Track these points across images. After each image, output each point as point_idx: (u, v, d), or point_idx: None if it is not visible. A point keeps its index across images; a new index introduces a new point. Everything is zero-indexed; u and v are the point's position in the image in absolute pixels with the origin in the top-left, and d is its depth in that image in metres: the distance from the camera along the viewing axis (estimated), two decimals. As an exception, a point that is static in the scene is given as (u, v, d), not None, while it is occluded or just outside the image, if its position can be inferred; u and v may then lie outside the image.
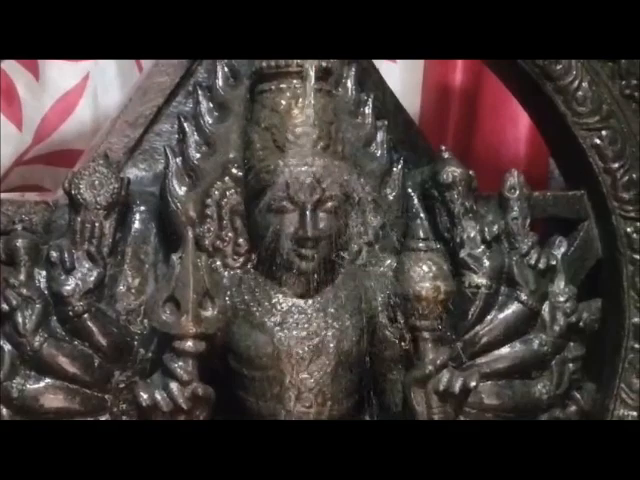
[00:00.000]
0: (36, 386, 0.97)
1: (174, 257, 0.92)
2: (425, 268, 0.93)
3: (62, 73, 1.54)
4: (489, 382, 1.05)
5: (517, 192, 1.08)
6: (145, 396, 0.88)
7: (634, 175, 1.12)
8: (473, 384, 0.92)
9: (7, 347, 0.96)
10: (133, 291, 1.02)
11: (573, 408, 1.09)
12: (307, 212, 0.92)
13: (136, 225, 1.04)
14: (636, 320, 1.14)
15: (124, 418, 0.98)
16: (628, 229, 1.13)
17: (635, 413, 1.15)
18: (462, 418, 1.02)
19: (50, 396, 0.97)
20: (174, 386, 0.88)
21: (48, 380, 0.97)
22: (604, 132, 1.11)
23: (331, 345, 0.95)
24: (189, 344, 0.89)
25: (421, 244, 0.95)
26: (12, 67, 1.49)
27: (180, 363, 0.89)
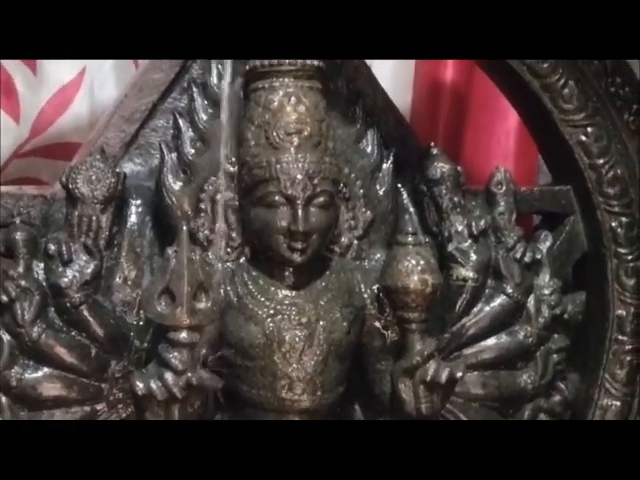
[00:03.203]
0: (34, 375, 0.99)
1: (169, 250, 0.94)
2: (413, 262, 0.96)
3: (59, 68, 1.55)
4: (475, 372, 1.08)
5: (504, 188, 1.11)
6: (140, 385, 0.90)
7: (619, 171, 1.14)
8: (459, 374, 0.95)
9: (6, 337, 0.98)
10: (129, 283, 1.04)
11: (557, 398, 1.12)
12: (299, 207, 0.94)
13: (132, 219, 1.06)
14: (620, 312, 1.17)
15: (120, 406, 1.00)
16: (613, 224, 1.16)
17: (618, 403, 1.18)
18: (449, 407, 1.06)
19: (48, 385, 0.99)
20: (169, 376, 0.90)
21: (46, 369, 0.99)
22: (590, 129, 1.13)
23: (322, 336, 0.97)
24: (183, 335, 0.91)
25: (410, 238, 0.97)
26: (11, 62, 1.51)
27: (175, 353, 0.91)
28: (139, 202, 1.07)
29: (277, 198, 0.94)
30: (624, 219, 1.15)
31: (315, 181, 0.94)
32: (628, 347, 1.17)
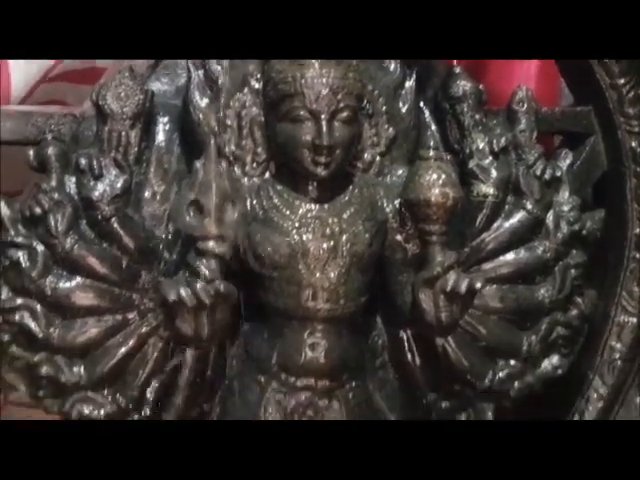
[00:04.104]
0: (68, 284, 1.02)
1: (197, 163, 0.97)
2: (435, 175, 0.97)
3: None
4: (494, 286, 1.10)
5: (525, 105, 1.12)
6: (171, 292, 0.94)
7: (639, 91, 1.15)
8: (478, 285, 0.97)
9: (40, 248, 1.01)
10: (158, 198, 1.07)
11: (574, 312, 1.14)
12: (323, 122, 0.96)
13: (160, 136, 1.08)
14: (638, 231, 1.19)
15: (150, 315, 1.03)
16: (633, 143, 1.17)
17: (635, 319, 1.21)
18: (468, 319, 1.09)
19: (81, 294, 1.02)
20: (198, 283, 0.94)
21: (79, 279, 1.02)
22: (611, 48, 1.13)
23: (345, 248, 1.00)
24: (212, 244, 0.94)
25: (431, 153, 0.99)
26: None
27: (203, 262, 0.95)
28: (166, 119, 1.08)
29: (302, 113, 0.96)
30: (644, 139, 1.17)
31: (339, 96, 0.96)
32: (646, 266, 1.20)
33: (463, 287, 0.96)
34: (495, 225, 1.10)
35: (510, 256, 1.11)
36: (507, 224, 1.10)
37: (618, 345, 1.21)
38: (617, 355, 1.21)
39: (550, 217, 1.11)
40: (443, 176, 0.97)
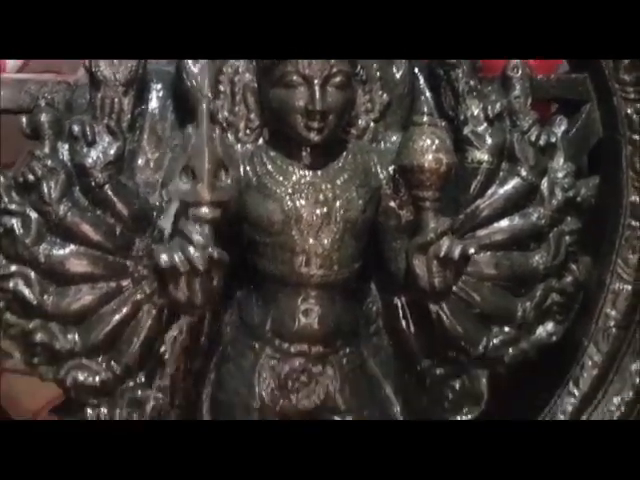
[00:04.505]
0: (62, 252, 1.02)
1: (189, 128, 0.97)
2: (428, 141, 0.97)
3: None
4: (488, 253, 1.09)
5: (520, 72, 1.12)
6: (164, 258, 0.93)
7: (635, 58, 1.15)
8: (472, 251, 0.97)
9: (34, 215, 1.01)
10: (151, 165, 1.06)
11: (569, 279, 1.14)
12: (316, 87, 0.95)
13: (153, 103, 1.08)
14: (633, 198, 1.19)
15: (144, 283, 1.03)
16: (628, 110, 1.17)
17: (630, 287, 1.21)
18: (462, 286, 1.09)
19: (75, 261, 1.02)
20: (191, 249, 0.93)
21: (73, 246, 1.02)
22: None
23: (338, 214, 1.00)
24: (205, 210, 0.94)
25: (425, 119, 0.99)
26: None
27: (197, 228, 0.95)
28: (160, 86, 1.08)
29: (295, 78, 0.96)
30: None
31: (332, 61, 0.96)
32: (640, 232, 1.20)
33: (456, 253, 0.96)
34: (489, 192, 1.10)
35: (504, 223, 1.11)
36: (501, 191, 1.10)
37: (613, 312, 1.21)
38: (612, 323, 1.21)
39: (545, 184, 1.11)
40: (437, 142, 0.97)
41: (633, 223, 1.20)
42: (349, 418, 1.04)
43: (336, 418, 1.04)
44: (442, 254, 0.96)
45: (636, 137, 1.18)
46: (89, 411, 1.06)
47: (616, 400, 1.22)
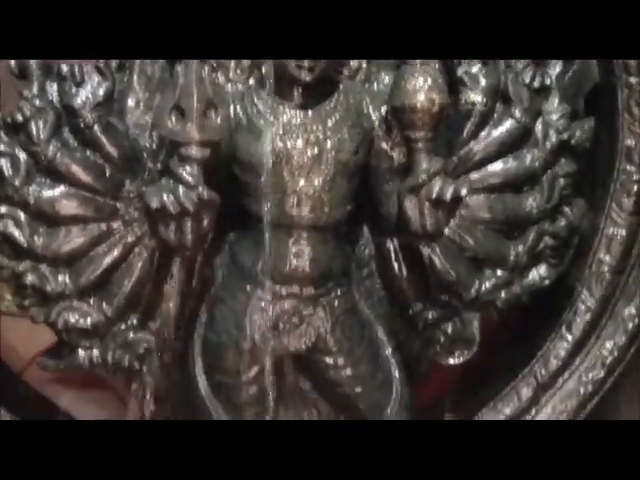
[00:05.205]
0: (51, 193, 1.01)
1: (178, 67, 0.95)
2: (421, 80, 0.96)
3: None
4: (482, 195, 1.09)
5: (515, 12, 1.10)
6: (154, 199, 0.93)
7: (632, 0, 1.13)
8: (464, 192, 0.97)
9: (23, 155, 1.00)
10: (141, 106, 1.05)
11: (562, 222, 1.13)
12: (307, 26, 0.94)
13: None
14: (629, 142, 1.17)
15: (135, 224, 1.03)
16: (625, 53, 1.15)
17: (624, 232, 1.20)
18: (455, 229, 1.08)
19: (65, 202, 1.02)
20: (181, 189, 0.93)
21: (63, 188, 1.01)
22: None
23: (330, 155, 0.99)
24: (194, 150, 0.93)
25: (417, 58, 0.98)
26: None
27: (186, 168, 0.94)
28: (149, 26, 1.07)
29: (286, 17, 0.94)
30: (637, 48, 1.14)
31: (323, 0, 0.94)
32: (636, 177, 1.18)
33: (448, 194, 0.96)
34: (483, 134, 1.08)
35: (498, 165, 1.10)
36: (495, 133, 1.08)
37: (607, 257, 1.20)
38: (605, 268, 1.20)
39: (539, 126, 1.10)
40: (429, 80, 0.96)
41: (628, 167, 1.18)
42: (340, 359, 1.04)
43: (327, 359, 1.04)
44: (434, 195, 0.96)
45: (632, 80, 1.16)
46: (81, 353, 1.07)
47: (609, 345, 1.22)
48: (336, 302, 1.04)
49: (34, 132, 0.99)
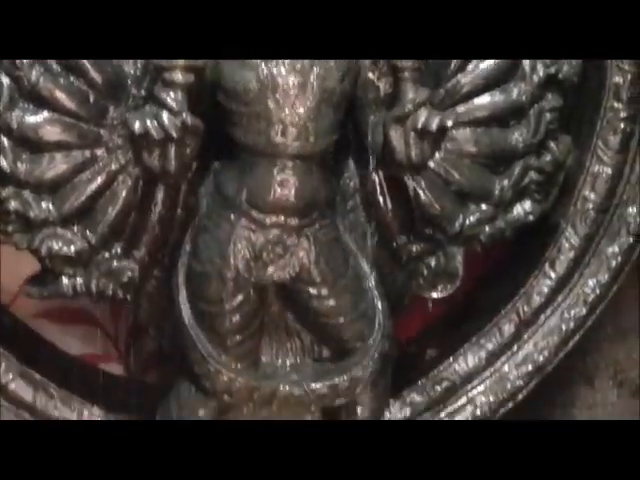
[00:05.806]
0: (34, 119, 1.00)
1: (163, -9, 0.94)
2: (408, 8, 0.95)
3: None
4: (468, 129, 1.08)
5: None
6: (137, 124, 0.93)
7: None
8: (449, 123, 0.97)
9: (5, 80, 0.99)
10: (126, 33, 1.04)
11: (548, 157, 1.13)
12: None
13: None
14: (617, 80, 1.17)
15: (119, 152, 1.02)
16: (616, -12, 1.14)
17: (610, 170, 1.20)
18: (440, 163, 1.08)
19: (49, 128, 1.00)
20: (165, 115, 0.92)
21: (46, 113, 1.00)
22: None
23: (315, 83, 0.98)
24: (178, 75, 0.93)
25: (406, -13, 0.97)
26: None
27: (170, 94, 0.93)
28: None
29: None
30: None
31: None
32: (623, 115, 1.18)
33: (434, 125, 0.96)
34: (470, 66, 1.07)
35: (485, 99, 1.09)
36: (483, 65, 1.07)
37: (592, 195, 1.21)
38: (590, 205, 1.21)
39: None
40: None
41: (615, 105, 1.18)
42: (323, 290, 1.04)
43: (310, 290, 1.04)
44: (419, 125, 0.96)
45: (622, 17, 1.15)
46: (64, 281, 1.07)
47: (592, 282, 1.22)
48: (320, 233, 1.04)
49: (17, 54, 0.98)
